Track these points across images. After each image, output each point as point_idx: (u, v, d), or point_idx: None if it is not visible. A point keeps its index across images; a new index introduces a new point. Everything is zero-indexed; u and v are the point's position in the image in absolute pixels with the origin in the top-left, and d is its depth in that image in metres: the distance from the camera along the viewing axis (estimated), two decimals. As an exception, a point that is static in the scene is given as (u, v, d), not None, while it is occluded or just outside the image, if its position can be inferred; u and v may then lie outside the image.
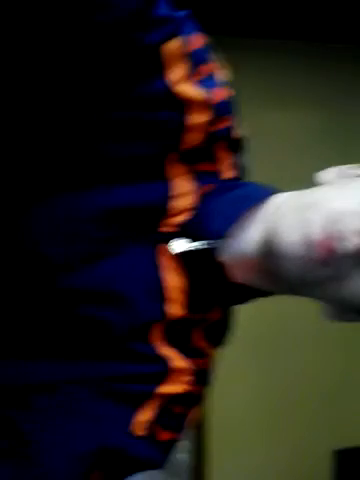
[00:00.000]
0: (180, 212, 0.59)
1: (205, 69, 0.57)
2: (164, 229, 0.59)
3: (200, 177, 0.60)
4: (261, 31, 2.40)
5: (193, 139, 0.57)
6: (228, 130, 0.60)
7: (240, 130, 0.63)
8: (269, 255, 0.56)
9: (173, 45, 0.54)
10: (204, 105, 0.56)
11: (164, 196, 0.59)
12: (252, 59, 2.42)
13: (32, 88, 0.54)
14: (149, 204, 0.58)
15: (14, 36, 0.51)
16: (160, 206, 0.59)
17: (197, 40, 0.57)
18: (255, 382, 2.48)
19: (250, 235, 0.59)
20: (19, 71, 0.53)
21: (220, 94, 0.58)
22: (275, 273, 0.57)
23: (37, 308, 0.58)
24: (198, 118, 0.56)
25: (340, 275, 0.54)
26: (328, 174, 0.63)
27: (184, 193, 0.59)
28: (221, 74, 0.60)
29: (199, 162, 0.60)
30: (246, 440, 2.47)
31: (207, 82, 0.57)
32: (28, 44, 0.51)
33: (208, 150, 0.60)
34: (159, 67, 0.54)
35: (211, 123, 0.58)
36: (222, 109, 0.59)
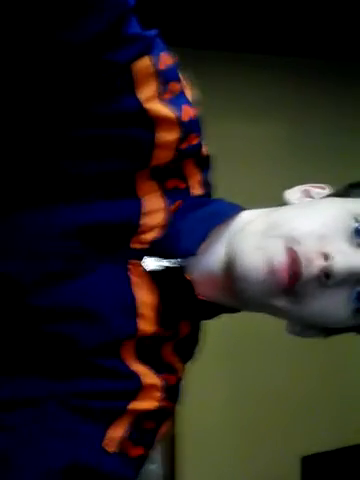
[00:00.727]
0: (151, 229, 0.59)
1: (175, 87, 0.58)
2: (135, 246, 0.59)
3: (170, 194, 0.61)
4: (228, 44, 2.43)
5: (163, 156, 0.58)
6: (197, 147, 0.61)
7: (207, 147, 0.63)
8: (231, 276, 0.57)
9: (143, 63, 0.54)
10: (174, 123, 0.57)
11: (135, 213, 0.59)
12: (220, 72, 2.45)
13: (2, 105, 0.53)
14: (120, 221, 0.58)
15: None
16: (131, 223, 0.59)
17: (167, 58, 0.57)
18: (225, 392, 2.49)
19: (215, 254, 0.60)
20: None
21: (189, 112, 0.59)
22: (237, 293, 0.57)
23: (6, 326, 0.57)
24: (168, 136, 0.57)
25: (302, 296, 0.55)
26: (293, 193, 0.64)
27: (155, 210, 0.60)
28: (190, 92, 0.61)
29: (169, 179, 0.60)
30: (217, 449, 2.47)
31: (177, 100, 0.58)
32: None
33: (178, 167, 0.61)
34: (129, 85, 0.54)
35: (181, 140, 0.58)
36: (191, 127, 0.59)
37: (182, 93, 0.59)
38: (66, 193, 0.57)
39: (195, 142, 0.60)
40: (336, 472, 2.64)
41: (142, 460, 0.61)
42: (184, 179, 0.62)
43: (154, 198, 0.60)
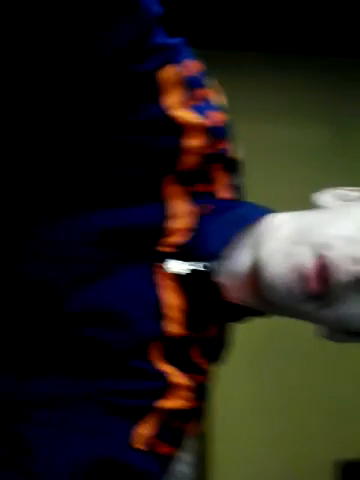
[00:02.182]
0: (176, 232, 0.60)
1: (200, 94, 0.59)
2: (161, 249, 0.60)
3: (196, 198, 0.61)
4: (264, 45, 2.42)
5: (189, 161, 0.59)
6: (224, 152, 0.62)
7: (236, 151, 0.64)
8: (257, 281, 0.57)
9: (168, 72, 0.56)
10: (200, 129, 0.58)
11: (161, 217, 0.60)
12: (255, 74, 2.44)
13: (34, 112, 0.56)
14: (146, 225, 0.60)
15: (21, 63, 0.54)
16: (157, 227, 0.60)
17: (192, 66, 0.58)
18: (257, 394, 2.48)
19: (242, 257, 0.59)
20: (26, 95, 0.56)
21: (216, 117, 0.60)
22: (264, 298, 0.57)
23: (38, 329, 0.59)
24: (194, 141, 0.58)
25: (331, 301, 0.55)
26: (326, 196, 0.63)
27: (180, 214, 0.61)
28: (217, 98, 0.62)
29: (195, 183, 0.61)
30: (248, 452, 2.46)
31: (202, 106, 0.59)
32: (33, 72, 0.54)
33: (204, 172, 0.61)
34: (155, 93, 0.56)
35: (207, 146, 0.59)
36: (218, 132, 0.60)
37: (208, 99, 0.60)
38: (93, 199, 0.59)
39: (222, 147, 0.61)
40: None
41: (169, 458, 0.62)
42: (211, 183, 0.63)
43: (180, 202, 0.61)
